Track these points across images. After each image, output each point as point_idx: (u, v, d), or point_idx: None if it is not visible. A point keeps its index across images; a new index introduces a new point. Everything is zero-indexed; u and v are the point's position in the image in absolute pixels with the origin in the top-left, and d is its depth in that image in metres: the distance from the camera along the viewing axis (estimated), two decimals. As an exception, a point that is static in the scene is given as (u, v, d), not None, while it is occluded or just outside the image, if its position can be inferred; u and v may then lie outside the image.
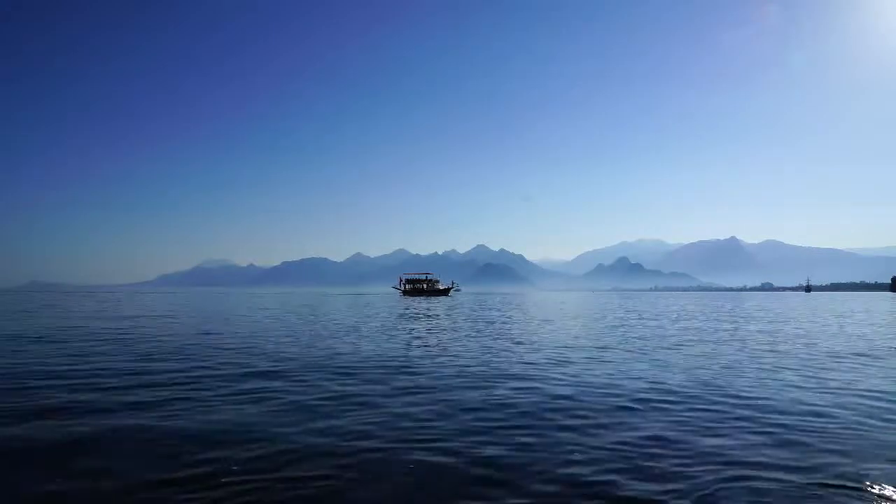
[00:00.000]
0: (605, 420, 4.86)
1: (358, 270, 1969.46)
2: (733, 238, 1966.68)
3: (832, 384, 6.76)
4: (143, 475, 3.44)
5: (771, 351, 10.36)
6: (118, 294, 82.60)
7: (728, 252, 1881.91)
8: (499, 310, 28.54)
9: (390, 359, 8.81)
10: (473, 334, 13.46)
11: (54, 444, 4.14)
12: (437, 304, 36.50)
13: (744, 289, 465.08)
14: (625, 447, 4.06)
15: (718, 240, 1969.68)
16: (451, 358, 8.97)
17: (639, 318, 21.19)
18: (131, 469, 3.56)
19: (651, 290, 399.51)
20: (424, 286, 71.24)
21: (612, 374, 7.33)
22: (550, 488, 3.29)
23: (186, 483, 3.34)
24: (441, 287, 72.41)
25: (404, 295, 68.82)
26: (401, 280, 73.71)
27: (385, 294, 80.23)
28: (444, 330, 14.83)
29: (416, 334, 13.40)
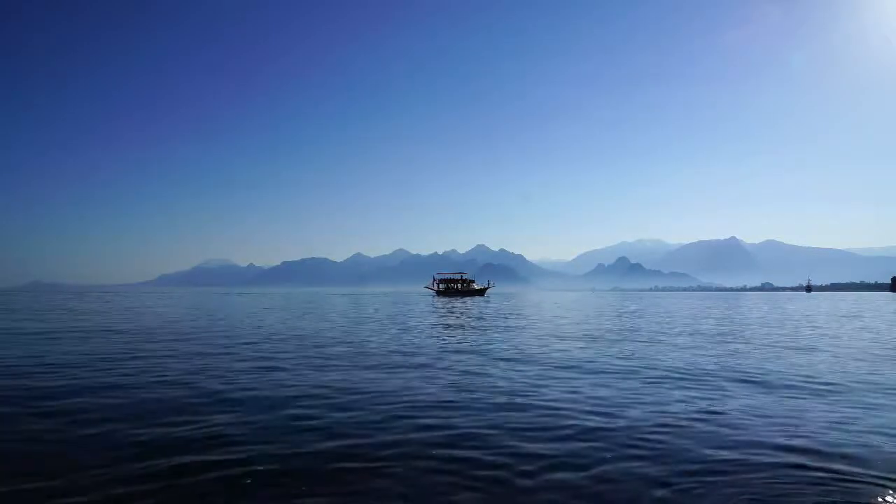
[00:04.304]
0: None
1: (358, 270, 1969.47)
2: (733, 238, 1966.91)
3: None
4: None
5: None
6: (131, 294, 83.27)
7: (728, 252, 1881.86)
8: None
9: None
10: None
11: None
12: (503, 308, 32.11)
13: (744, 289, 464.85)
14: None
15: (718, 240, 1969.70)
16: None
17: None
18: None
19: (651, 290, 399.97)
20: (459, 286, 69.14)
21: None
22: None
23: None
24: (477, 287, 70.14)
25: (438, 295, 66.43)
26: (434, 280, 71.35)
27: (419, 294, 78.77)
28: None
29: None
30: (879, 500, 3.35)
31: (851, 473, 3.75)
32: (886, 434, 4.75)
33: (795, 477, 3.71)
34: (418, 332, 14.73)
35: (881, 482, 3.61)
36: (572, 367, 8.52)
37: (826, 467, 3.86)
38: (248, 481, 3.61)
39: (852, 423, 5.10)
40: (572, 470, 3.82)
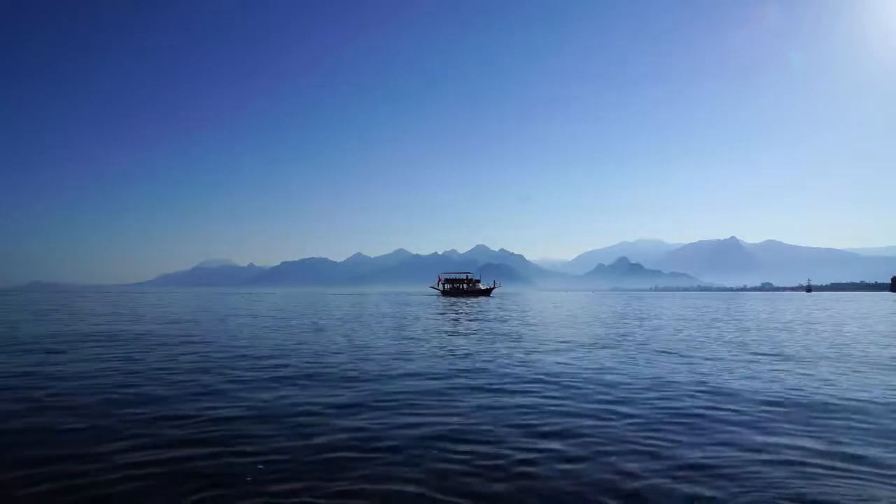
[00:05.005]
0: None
1: (358, 270, 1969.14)
2: (733, 238, 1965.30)
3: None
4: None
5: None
6: (132, 294, 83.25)
7: (728, 252, 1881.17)
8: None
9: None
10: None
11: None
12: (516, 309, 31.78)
13: (744, 289, 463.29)
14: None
15: (718, 240, 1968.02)
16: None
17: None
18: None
19: (651, 290, 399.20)
20: (464, 286, 68.55)
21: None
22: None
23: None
24: (482, 287, 69.62)
25: (443, 295, 65.94)
26: (439, 279, 70.55)
27: (424, 294, 79.05)
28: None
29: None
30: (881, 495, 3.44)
31: (854, 472, 3.86)
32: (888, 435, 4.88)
33: (801, 475, 3.83)
34: (434, 337, 14.84)
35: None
36: (575, 369, 8.71)
37: (830, 465, 3.98)
38: (260, 468, 3.74)
39: (852, 423, 5.22)
40: (574, 462, 4.01)
